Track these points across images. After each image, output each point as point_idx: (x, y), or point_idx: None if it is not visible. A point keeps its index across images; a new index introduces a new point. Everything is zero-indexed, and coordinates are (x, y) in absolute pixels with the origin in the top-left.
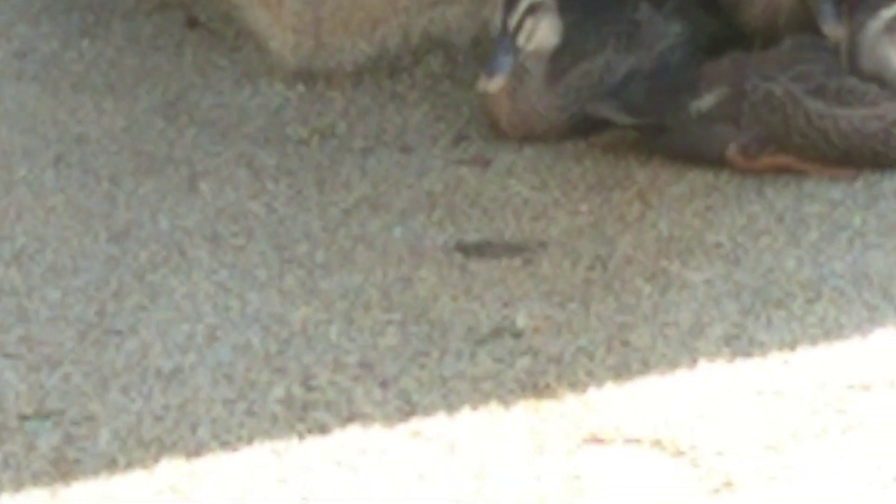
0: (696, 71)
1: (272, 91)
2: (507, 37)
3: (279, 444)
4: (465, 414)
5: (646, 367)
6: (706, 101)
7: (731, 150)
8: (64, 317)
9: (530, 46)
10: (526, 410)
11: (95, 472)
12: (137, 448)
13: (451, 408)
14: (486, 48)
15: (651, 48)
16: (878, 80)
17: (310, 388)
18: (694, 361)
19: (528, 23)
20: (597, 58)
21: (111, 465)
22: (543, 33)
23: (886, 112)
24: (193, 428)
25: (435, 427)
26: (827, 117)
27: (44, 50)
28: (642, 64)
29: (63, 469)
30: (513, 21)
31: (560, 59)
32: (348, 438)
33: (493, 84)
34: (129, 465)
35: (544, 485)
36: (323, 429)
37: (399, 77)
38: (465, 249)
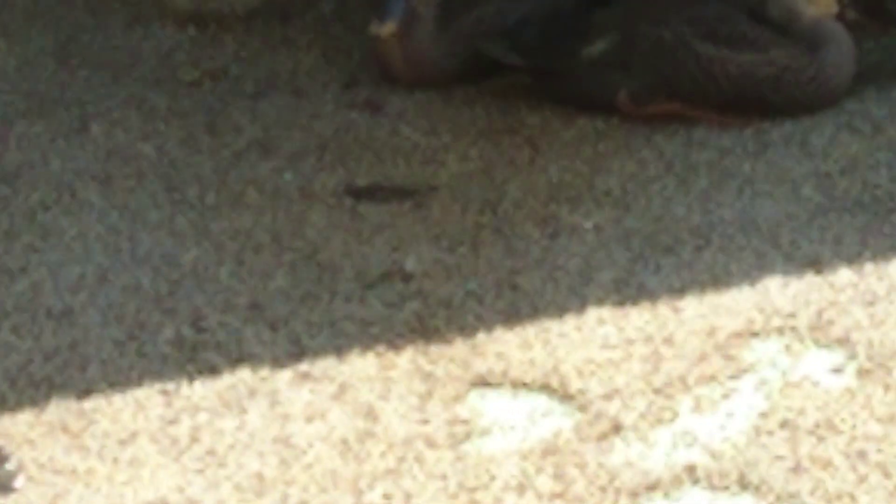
0: (588, 17)
1: (164, 33)
2: None
3: (168, 385)
4: (354, 356)
5: (535, 312)
6: (597, 47)
7: (621, 97)
8: None
9: None
10: (415, 353)
11: None
12: (27, 387)
13: (341, 350)
14: None
15: None
16: (785, 28)
17: (199, 330)
18: (583, 306)
19: None
20: (489, 4)
21: (1, 403)
22: None
23: (776, 58)
24: (83, 368)
25: (324, 369)
26: (717, 61)
27: None
28: (535, 11)
29: None
30: None
31: (452, 5)
32: (237, 379)
33: (385, 28)
34: (19, 404)
35: (432, 427)
36: (212, 370)
37: (291, 21)
38: (356, 193)
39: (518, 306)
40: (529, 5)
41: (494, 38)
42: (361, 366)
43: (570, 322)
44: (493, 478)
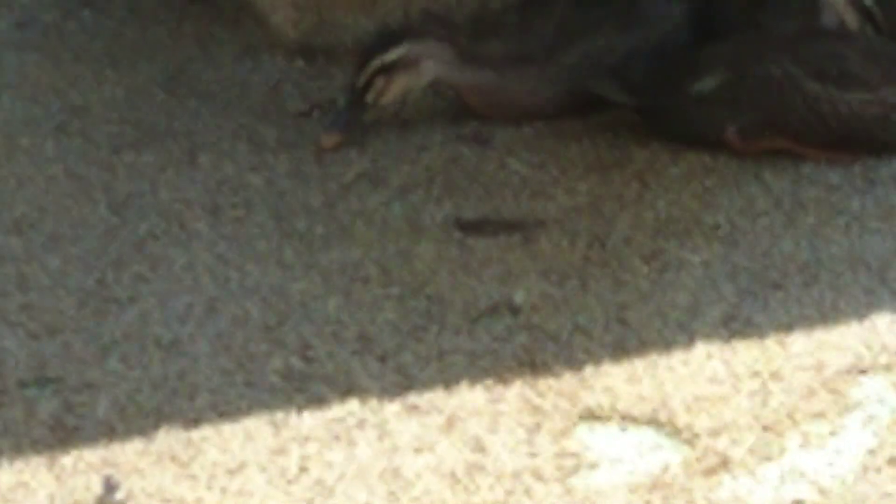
0: (697, 53)
1: (272, 65)
2: (353, 94)
3: (277, 415)
4: (463, 389)
5: (643, 346)
6: (706, 83)
7: (730, 133)
8: (64, 285)
9: (385, 101)
10: (523, 386)
11: (94, 439)
12: (136, 416)
13: (449, 383)
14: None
15: (653, 30)
16: None
17: (308, 360)
18: (691, 341)
19: (379, 81)
20: (596, 38)
21: (109, 432)
22: (400, 88)
23: (886, 97)
24: (192, 397)
25: (432, 401)
26: (825, 100)
27: (45, 20)
28: (643, 45)
29: (62, 436)
30: (360, 81)
31: (557, 39)
32: (346, 411)
33: (328, 140)
34: (128, 433)
35: (541, 460)
36: (321, 401)
37: None
38: (464, 226)
39: (626, 340)
40: (637, 39)
41: (601, 77)
42: (470, 398)
43: (677, 356)
44: None
